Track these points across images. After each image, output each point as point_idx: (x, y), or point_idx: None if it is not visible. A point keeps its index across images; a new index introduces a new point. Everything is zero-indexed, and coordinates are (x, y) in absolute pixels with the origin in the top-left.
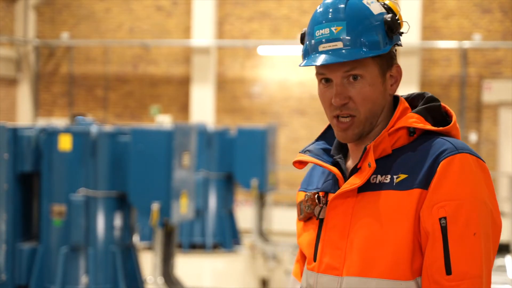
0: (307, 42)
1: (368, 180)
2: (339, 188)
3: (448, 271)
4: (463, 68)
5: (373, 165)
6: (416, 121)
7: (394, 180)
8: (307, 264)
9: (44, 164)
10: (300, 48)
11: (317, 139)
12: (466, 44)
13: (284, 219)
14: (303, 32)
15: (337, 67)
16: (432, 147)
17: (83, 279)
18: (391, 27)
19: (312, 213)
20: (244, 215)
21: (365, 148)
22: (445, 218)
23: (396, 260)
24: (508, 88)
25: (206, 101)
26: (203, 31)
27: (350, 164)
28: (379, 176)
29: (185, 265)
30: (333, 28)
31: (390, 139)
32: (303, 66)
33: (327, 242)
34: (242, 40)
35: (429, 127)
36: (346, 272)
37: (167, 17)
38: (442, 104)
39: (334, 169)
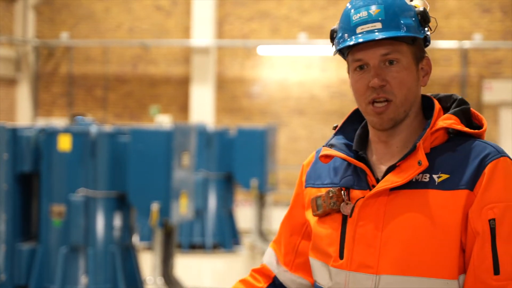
0: (342, 30)
1: None
2: (366, 184)
3: (496, 271)
4: (463, 68)
5: (425, 163)
6: (454, 122)
7: (436, 180)
8: (331, 262)
9: (44, 164)
10: (300, 48)
11: (336, 134)
12: (467, 44)
13: None
14: (333, 28)
15: (375, 50)
16: (473, 149)
17: (83, 279)
18: (424, 17)
19: (336, 209)
20: (244, 215)
21: (415, 146)
22: (494, 219)
23: (443, 258)
24: (509, 88)
25: (206, 101)
26: (202, 31)
27: (374, 159)
28: (416, 175)
29: (185, 265)
30: (371, 11)
31: (431, 138)
32: (342, 47)
33: (358, 240)
34: (242, 40)
35: (467, 129)
36: (382, 270)
37: (167, 17)
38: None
39: (364, 166)
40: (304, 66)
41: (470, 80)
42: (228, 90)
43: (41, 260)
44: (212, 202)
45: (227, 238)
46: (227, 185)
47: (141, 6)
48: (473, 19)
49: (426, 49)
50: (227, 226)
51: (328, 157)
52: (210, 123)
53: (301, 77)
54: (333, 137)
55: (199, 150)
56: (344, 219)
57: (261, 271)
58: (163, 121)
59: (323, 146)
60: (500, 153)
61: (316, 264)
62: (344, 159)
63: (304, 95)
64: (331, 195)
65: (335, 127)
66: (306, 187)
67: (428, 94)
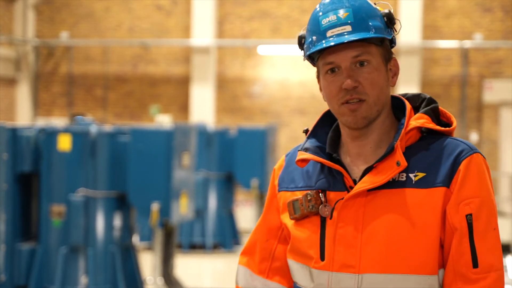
0: (312, 35)
1: None
2: (343, 185)
3: (475, 265)
4: (464, 67)
5: (404, 163)
6: (426, 121)
7: (413, 179)
8: (313, 263)
9: (44, 164)
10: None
11: (308, 137)
12: (467, 43)
13: None
14: (301, 34)
15: (346, 52)
16: (446, 147)
17: (83, 280)
18: (390, 19)
19: (315, 212)
20: (244, 215)
21: (392, 147)
22: (470, 214)
23: (423, 255)
24: (509, 88)
25: (206, 100)
26: (203, 31)
27: (349, 161)
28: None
29: (185, 265)
30: (339, 15)
31: (405, 137)
32: (312, 52)
33: (339, 241)
34: (242, 40)
35: (438, 128)
36: (364, 269)
37: (167, 16)
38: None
39: (340, 168)
40: (305, 66)
41: (470, 79)
42: (228, 90)
43: (41, 260)
44: (213, 202)
45: (227, 238)
46: (228, 185)
47: (141, 5)
48: (473, 19)
49: (427, 48)
50: (227, 226)
51: (304, 161)
52: (210, 123)
53: (302, 76)
54: (306, 140)
55: (200, 150)
56: (323, 221)
57: None
58: (163, 121)
59: (298, 150)
60: (473, 150)
61: (295, 266)
62: (321, 162)
63: (305, 95)
64: (309, 198)
65: (306, 131)
66: (279, 191)
67: (396, 94)
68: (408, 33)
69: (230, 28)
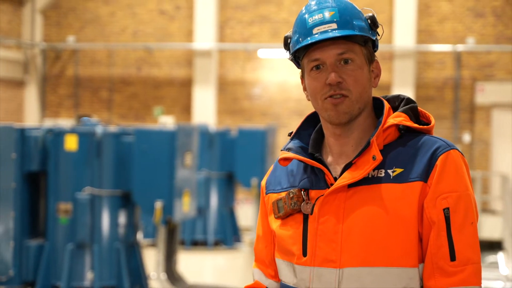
0: (298, 33)
1: None
2: (325, 183)
3: (452, 258)
4: (457, 70)
5: (379, 157)
6: (404, 119)
7: (391, 174)
8: (295, 259)
9: (51, 164)
10: None
11: (292, 139)
12: (460, 47)
13: None
14: (287, 35)
15: (331, 49)
16: (424, 143)
17: (89, 275)
18: (373, 22)
19: (297, 209)
20: (245, 213)
21: (368, 142)
22: (448, 208)
23: (402, 248)
24: (501, 90)
25: (208, 102)
26: (205, 35)
27: (331, 160)
28: (372, 171)
29: (187, 261)
30: (325, 13)
31: (383, 135)
32: (298, 47)
33: (320, 236)
34: (243, 44)
35: (416, 125)
36: (345, 264)
37: (170, 21)
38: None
39: (321, 166)
40: None
41: (463, 82)
42: (229, 92)
43: (48, 256)
44: (214, 200)
45: (228, 235)
46: (228, 184)
47: (145, 10)
48: (466, 24)
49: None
50: (228, 224)
51: (286, 159)
52: (212, 124)
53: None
54: (290, 141)
55: (201, 150)
56: (306, 218)
57: (255, 286)
58: (167, 122)
59: (281, 150)
60: (450, 146)
61: (282, 264)
62: (302, 161)
63: (303, 97)
64: (291, 196)
65: (290, 133)
66: (266, 193)
67: (377, 96)
68: (403, 38)
69: (231, 32)
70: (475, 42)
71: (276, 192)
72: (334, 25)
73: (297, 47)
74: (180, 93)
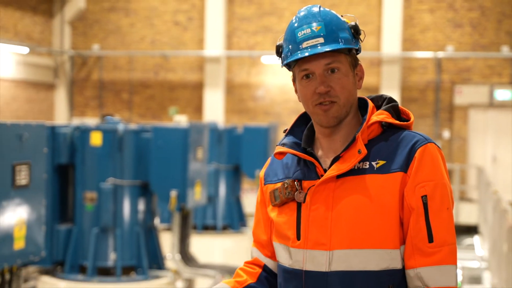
0: (289, 46)
1: None
2: (316, 174)
3: (430, 240)
4: (437, 75)
5: (364, 151)
6: (386, 116)
7: (375, 166)
8: (290, 243)
9: (78, 157)
10: None
11: (287, 135)
12: (440, 54)
13: None
14: (278, 43)
15: (319, 60)
16: (404, 138)
17: (112, 256)
18: (356, 30)
19: (291, 198)
20: (250, 201)
21: (354, 138)
22: (425, 196)
23: (385, 231)
24: (476, 92)
25: (217, 103)
26: (214, 43)
27: (321, 154)
28: (357, 163)
29: (199, 244)
30: (313, 28)
31: (367, 131)
32: (290, 61)
33: (312, 222)
34: (248, 51)
35: (397, 122)
36: (334, 246)
37: (184, 31)
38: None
39: (312, 159)
40: None
41: (443, 85)
42: (236, 94)
43: (76, 239)
44: (222, 189)
45: (235, 220)
46: (235, 175)
47: (162, 21)
48: (446, 33)
49: (406, 58)
50: (235, 210)
51: (281, 153)
52: (220, 122)
53: None
54: (284, 137)
55: (211, 145)
56: (299, 206)
57: (254, 262)
58: (181, 120)
59: (277, 145)
60: (427, 140)
61: (279, 248)
62: (295, 155)
63: None
64: (286, 186)
65: (285, 130)
66: (265, 184)
67: (363, 96)
68: (390, 46)
69: (238, 41)
70: (454, 50)
71: (273, 183)
72: (321, 39)
73: (288, 60)
74: (192, 95)
